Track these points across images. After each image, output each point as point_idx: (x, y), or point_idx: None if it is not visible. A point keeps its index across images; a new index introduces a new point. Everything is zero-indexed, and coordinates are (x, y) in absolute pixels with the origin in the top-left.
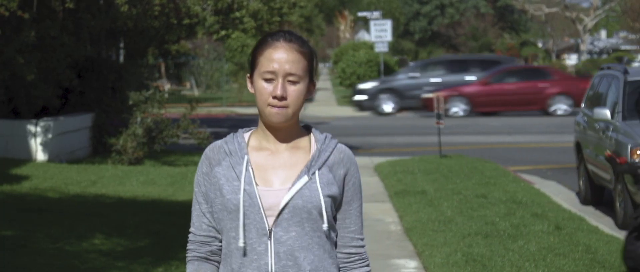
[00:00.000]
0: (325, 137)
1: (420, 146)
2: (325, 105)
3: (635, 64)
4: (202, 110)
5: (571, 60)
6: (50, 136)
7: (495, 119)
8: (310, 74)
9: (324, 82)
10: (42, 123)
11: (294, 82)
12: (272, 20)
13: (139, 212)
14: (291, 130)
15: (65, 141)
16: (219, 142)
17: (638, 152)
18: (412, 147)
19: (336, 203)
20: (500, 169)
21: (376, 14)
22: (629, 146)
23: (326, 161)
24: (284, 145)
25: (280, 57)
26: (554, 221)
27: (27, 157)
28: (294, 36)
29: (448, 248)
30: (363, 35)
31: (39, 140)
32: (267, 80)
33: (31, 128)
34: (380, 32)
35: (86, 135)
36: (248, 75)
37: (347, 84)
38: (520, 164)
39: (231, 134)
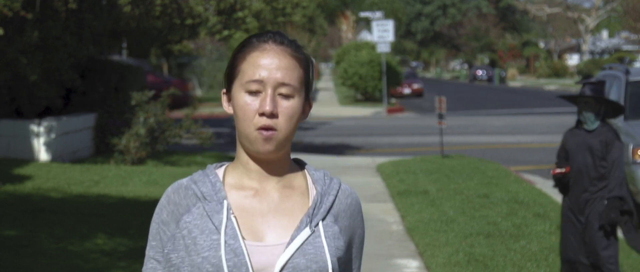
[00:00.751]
0: (324, 175)
1: (422, 146)
2: (328, 105)
3: (637, 64)
4: (205, 111)
5: (573, 60)
6: (53, 136)
7: (496, 119)
8: (307, 89)
9: (326, 82)
10: (44, 123)
11: (287, 96)
12: (276, 20)
13: (142, 212)
14: (282, 163)
15: (68, 141)
16: (184, 181)
17: (639, 152)
18: (414, 147)
19: (340, 262)
20: (502, 169)
21: (378, 14)
22: (631, 146)
23: (330, 208)
24: (272, 182)
25: (269, 62)
26: (556, 221)
27: (29, 157)
28: (286, 38)
29: (450, 248)
30: (365, 36)
31: (41, 140)
32: (252, 93)
33: (34, 128)
34: (382, 33)
35: (89, 135)
36: (224, 90)
37: (349, 85)
38: (522, 164)
39: (199, 172)
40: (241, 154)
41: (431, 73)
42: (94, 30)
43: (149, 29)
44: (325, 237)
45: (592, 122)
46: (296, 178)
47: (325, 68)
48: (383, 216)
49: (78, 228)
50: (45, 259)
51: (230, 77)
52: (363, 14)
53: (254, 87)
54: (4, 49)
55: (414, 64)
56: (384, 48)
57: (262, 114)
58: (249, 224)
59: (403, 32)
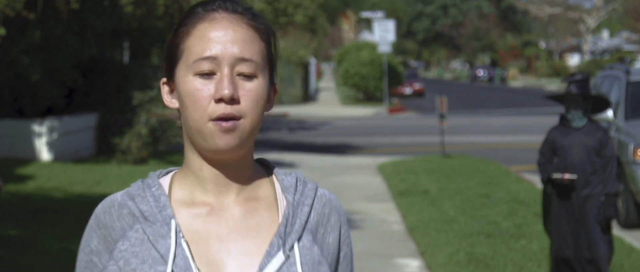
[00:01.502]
0: (297, 180)
1: (423, 146)
2: (329, 105)
3: (638, 65)
4: None
5: (573, 60)
6: (55, 135)
7: (497, 119)
8: (271, 68)
9: (327, 82)
10: (47, 123)
11: (249, 76)
12: (278, 20)
13: None
14: (244, 166)
15: (70, 141)
16: (118, 196)
17: (639, 152)
18: (415, 147)
19: None
20: (502, 169)
21: (379, 14)
22: (631, 146)
23: (306, 222)
24: (231, 194)
25: (223, 34)
26: None
27: (32, 157)
28: (239, 5)
29: (451, 248)
30: (366, 36)
31: (43, 140)
32: (203, 75)
33: (36, 128)
34: (383, 33)
35: (91, 135)
36: (164, 79)
37: (350, 85)
38: (522, 164)
39: (138, 183)
40: (192, 159)
41: (432, 73)
42: (95, 31)
43: (150, 29)
44: (303, 264)
45: (580, 119)
46: (261, 186)
47: (326, 68)
48: (384, 215)
49: (80, 228)
50: (48, 259)
51: (171, 60)
52: (364, 14)
53: (205, 67)
54: (7, 49)
55: (414, 64)
56: (385, 48)
57: (219, 100)
58: (204, 252)
59: (404, 32)
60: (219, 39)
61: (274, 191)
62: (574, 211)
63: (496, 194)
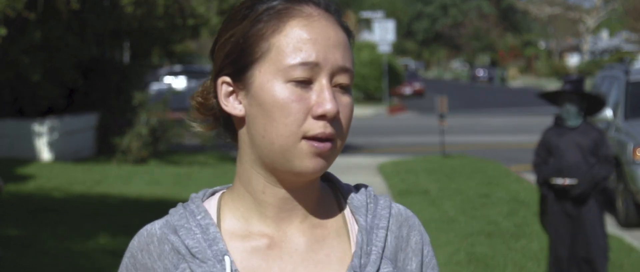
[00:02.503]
0: (367, 196)
1: (423, 146)
2: None
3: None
4: None
5: (573, 60)
6: (55, 135)
7: (497, 119)
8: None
9: None
10: (47, 123)
11: (346, 89)
12: None
13: (144, 211)
14: (313, 187)
15: (70, 141)
16: (155, 229)
17: (639, 152)
18: (415, 147)
19: None
20: (502, 168)
21: (379, 14)
22: (631, 146)
23: (383, 250)
24: (295, 221)
25: (324, 37)
26: None
27: (32, 157)
28: (332, 1)
29: (451, 247)
30: (366, 36)
31: (44, 140)
32: (297, 82)
33: (36, 128)
34: (383, 33)
35: (91, 135)
36: (223, 78)
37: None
38: (522, 164)
39: (178, 208)
40: (253, 178)
41: (432, 73)
42: (95, 31)
43: (150, 29)
44: None
45: (575, 118)
46: (328, 209)
47: None
48: None
49: (81, 227)
50: (48, 259)
51: (243, 56)
52: (364, 14)
53: (303, 73)
54: (7, 49)
55: (412, 65)
56: (385, 48)
57: (320, 117)
58: None
59: (404, 32)
60: (320, 41)
61: (343, 213)
62: (570, 211)
63: (496, 194)
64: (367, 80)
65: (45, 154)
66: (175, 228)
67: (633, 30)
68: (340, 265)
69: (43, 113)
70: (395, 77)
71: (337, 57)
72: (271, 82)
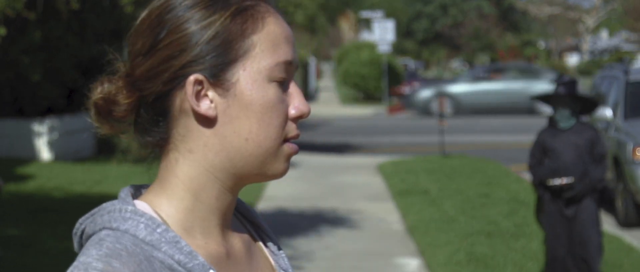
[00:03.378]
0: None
1: (422, 146)
2: (329, 105)
3: (637, 65)
4: None
5: (572, 60)
6: (55, 135)
7: (497, 119)
8: None
9: (326, 82)
10: (47, 123)
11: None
12: None
13: None
14: None
15: (70, 141)
16: (135, 247)
17: (638, 152)
18: (414, 147)
19: None
20: (502, 168)
21: (379, 14)
22: (631, 145)
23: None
24: (229, 228)
25: (291, 34)
26: None
27: (32, 157)
28: None
29: (451, 247)
30: (366, 36)
31: (44, 139)
32: (279, 83)
33: (36, 128)
34: (383, 33)
35: (91, 135)
36: (196, 76)
37: (350, 84)
38: (522, 164)
39: (136, 220)
40: (209, 185)
41: (432, 73)
42: (95, 31)
43: None
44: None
45: (568, 120)
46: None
47: (327, 68)
48: (384, 215)
49: None
50: (49, 259)
51: (224, 53)
52: (364, 14)
53: (283, 73)
54: (7, 49)
55: (412, 65)
56: (384, 48)
57: (297, 118)
58: None
59: (404, 32)
60: (291, 40)
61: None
62: (566, 210)
63: (496, 194)
64: (367, 80)
65: (45, 154)
66: (155, 244)
67: (632, 30)
68: (270, 267)
69: (43, 113)
70: (394, 77)
71: (296, 56)
72: (256, 83)
